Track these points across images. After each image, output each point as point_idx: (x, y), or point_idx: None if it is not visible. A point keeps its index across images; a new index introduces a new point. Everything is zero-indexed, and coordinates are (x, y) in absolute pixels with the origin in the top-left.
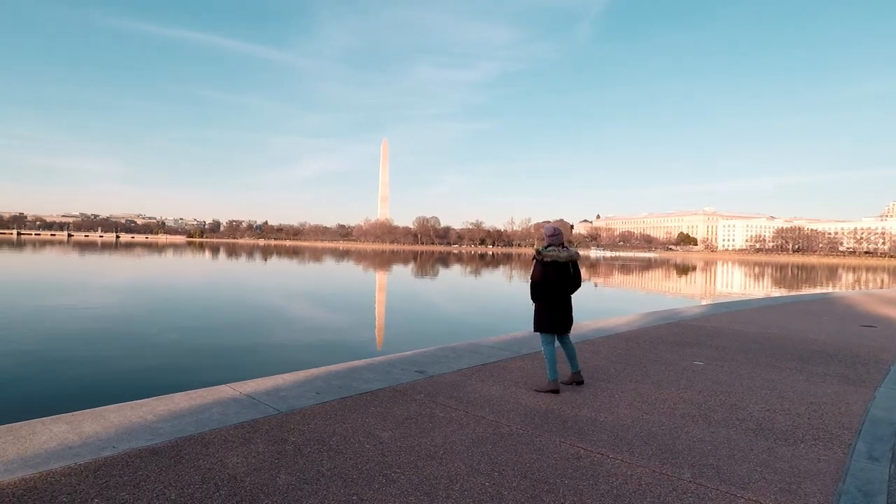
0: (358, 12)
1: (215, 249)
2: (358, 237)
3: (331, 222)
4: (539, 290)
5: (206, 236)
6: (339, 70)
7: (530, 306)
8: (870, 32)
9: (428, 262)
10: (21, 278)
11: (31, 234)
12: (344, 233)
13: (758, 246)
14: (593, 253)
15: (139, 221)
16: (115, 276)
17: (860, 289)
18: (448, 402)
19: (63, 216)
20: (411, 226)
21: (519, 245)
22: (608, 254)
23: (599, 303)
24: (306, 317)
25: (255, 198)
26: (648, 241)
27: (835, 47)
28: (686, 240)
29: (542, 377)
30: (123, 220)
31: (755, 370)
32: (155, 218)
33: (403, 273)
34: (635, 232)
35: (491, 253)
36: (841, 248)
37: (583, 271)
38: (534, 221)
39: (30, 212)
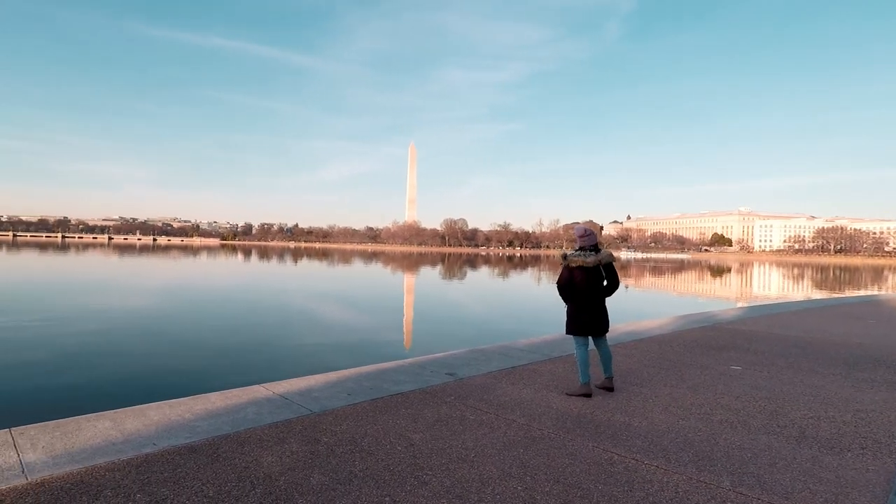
0: (385, 16)
1: (247, 252)
2: (386, 239)
3: (359, 225)
4: (565, 294)
5: (238, 239)
6: (366, 74)
7: (560, 309)
8: None
9: (455, 264)
10: (65, 280)
11: (74, 238)
12: (372, 235)
13: (797, 247)
14: (624, 254)
15: (175, 225)
16: (153, 278)
17: None
18: (478, 404)
19: (104, 220)
20: (439, 228)
21: (547, 247)
22: (639, 255)
23: (631, 305)
24: (335, 318)
25: (285, 201)
26: (681, 243)
27: (879, 41)
28: (720, 241)
29: (573, 381)
30: (160, 224)
31: (796, 375)
32: (190, 221)
33: (431, 275)
34: (667, 233)
35: (519, 255)
36: (887, 249)
37: None
38: (562, 223)
39: (73, 216)
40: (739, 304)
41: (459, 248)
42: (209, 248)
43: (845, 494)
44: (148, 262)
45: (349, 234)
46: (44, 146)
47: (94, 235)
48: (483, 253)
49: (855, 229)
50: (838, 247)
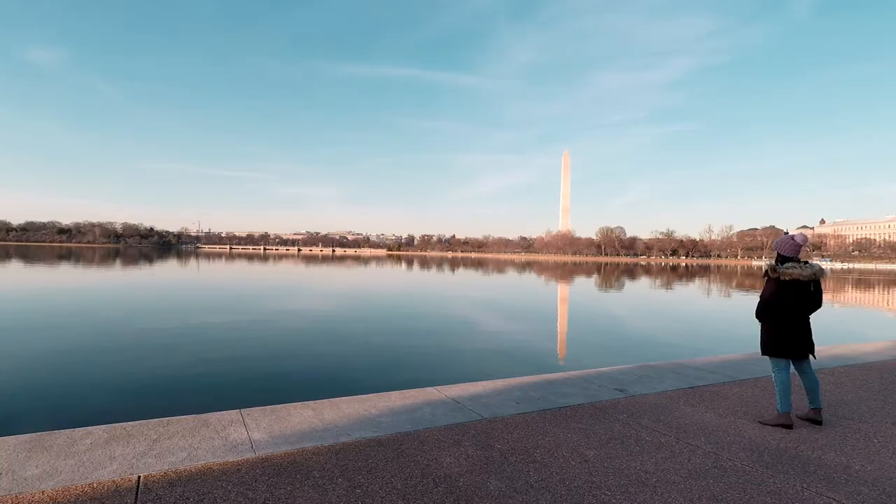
0: (539, 27)
1: (409, 262)
2: (539, 249)
3: (513, 235)
4: (769, 311)
5: (402, 249)
6: (520, 87)
7: (740, 326)
8: None
9: (612, 274)
10: (269, 285)
11: (272, 249)
12: (525, 245)
13: None
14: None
15: (349, 237)
16: (335, 284)
17: None
18: (654, 425)
19: (294, 234)
20: (594, 237)
21: (718, 256)
22: (837, 265)
23: (834, 325)
24: (491, 325)
25: (444, 213)
26: (895, 250)
27: None
28: None
29: (766, 408)
30: (337, 236)
31: None
32: (361, 233)
33: (586, 285)
34: (876, 238)
35: (684, 265)
36: None
37: None
38: (736, 229)
39: (272, 230)
40: None
41: (616, 257)
42: (377, 258)
43: None
44: (330, 270)
45: (503, 244)
46: (258, 174)
47: (287, 248)
48: (643, 263)
49: None
50: None
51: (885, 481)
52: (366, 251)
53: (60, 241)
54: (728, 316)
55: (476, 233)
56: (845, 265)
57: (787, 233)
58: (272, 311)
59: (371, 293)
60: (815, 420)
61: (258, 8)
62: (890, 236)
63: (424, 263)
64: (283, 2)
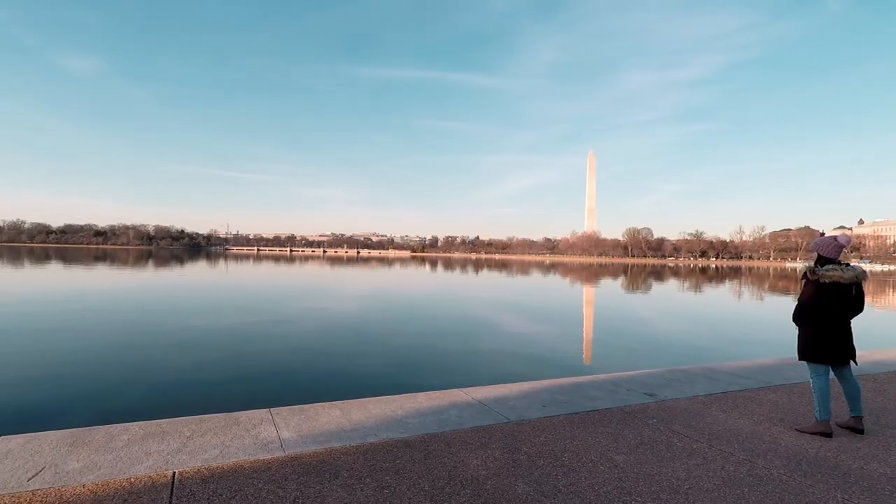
0: (562, 27)
1: (433, 263)
2: (564, 250)
3: (537, 236)
4: (807, 315)
5: (425, 251)
6: (544, 86)
7: (774, 330)
8: None
9: (639, 276)
10: (296, 286)
11: (298, 251)
12: (550, 246)
13: None
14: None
15: (374, 238)
16: (361, 286)
17: None
18: (686, 431)
19: (320, 235)
20: (620, 238)
21: (750, 257)
22: (878, 267)
23: (875, 330)
24: (515, 327)
25: (467, 214)
26: None
27: None
28: None
29: (804, 415)
30: (362, 238)
31: None
32: (386, 235)
33: (612, 287)
34: None
35: (714, 266)
36: None
37: None
38: (769, 230)
39: (298, 232)
40: None
41: (643, 259)
42: (401, 260)
43: None
44: (355, 271)
45: (527, 246)
46: (282, 177)
47: (313, 249)
48: (671, 264)
49: None
50: None
51: None
52: (390, 253)
53: (97, 243)
54: (760, 319)
55: (500, 234)
56: (887, 266)
57: (823, 234)
58: (298, 312)
59: (395, 294)
60: (856, 429)
61: (278, 11)
62: None
63: (448, 265)
64: (304, 5)
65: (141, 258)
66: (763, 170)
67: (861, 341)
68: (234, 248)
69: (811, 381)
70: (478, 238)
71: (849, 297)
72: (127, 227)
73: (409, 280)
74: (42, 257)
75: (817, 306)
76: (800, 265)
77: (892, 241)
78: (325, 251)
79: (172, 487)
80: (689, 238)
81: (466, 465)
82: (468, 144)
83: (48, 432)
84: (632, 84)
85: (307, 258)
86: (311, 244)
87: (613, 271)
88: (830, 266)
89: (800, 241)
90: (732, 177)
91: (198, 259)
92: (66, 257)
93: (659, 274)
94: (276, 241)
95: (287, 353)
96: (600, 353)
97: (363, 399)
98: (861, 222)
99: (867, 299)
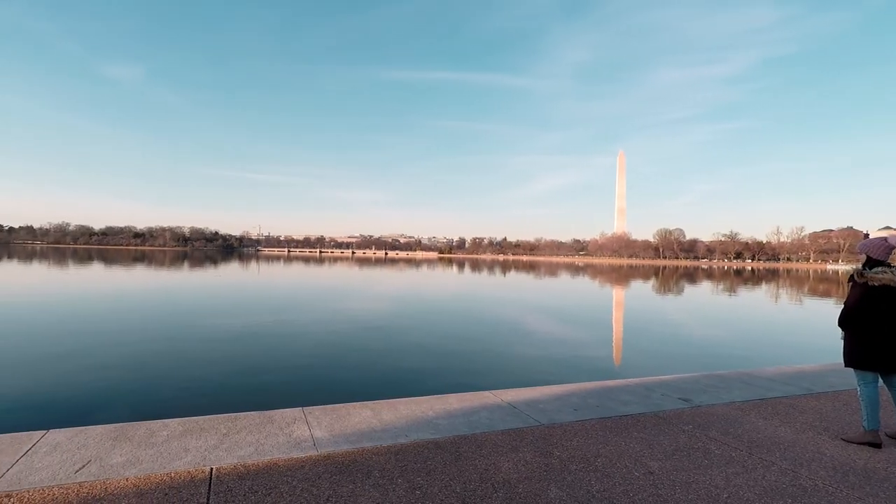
0: (591, 26)
1: (461, 264)
2: (593, 251)
3: (566, 237)
4: (854, 319)
5: (453, 252)
6: (573, 86)
7: (815, 334)
8: None
9: (671, 278)
10: (328, 287)
11: (327, 252)
12: (579, 247)
13: None
14: None
15: (401, 240)
16: (389, 287)
17: None
18: (723, 438)
19: (349, 237)
20: (652, 239)
21: (788, 259)
22: None
23: None
24: (544, 329)
25: (495, 216)
26: None
27: None
28: None
29: (850, 424)
30: (390, 239)
31: None
32: (413, 236)
33: (643, 289)
34: None
35: (750, 268)
36: None
37: None
38: (808, 231)
39: (327, 234)
40: None
41: (676, 260)
42: (429, 261)
43: None
44: (383, 273)
45: (556, 247)
46: (311, 179)
47: (342, 250)
48: (704, 266)
49: None
50: None
51: None
52: (417, 254)
53: (135, 245)
54: (800, 323)
55: (528, 235)
56: None
57: (867, 235)
58: (327, 312)
59: (422, 296)
60: None
61: (309, 16)
62: None
63: (475, 266)
64: (331, 9)
65: (177, 259)
66: (801, 168)
67: None
68: (266, 249)
69: (858, 388)
70: (505, 239)
71: None
72: (163, 229)
73: (437, 281)
74: (85, 258)
75: (865, 310)
76: (842, 267)
77: None
78: (353, 252)
79: (210, 483)
80: (723, 239)
81: (498, 468)
82: (496, 145)
83: (93, 426)
84: (663, 82)
85: (336, 259)
86: (339, 245)
87: (644, 273)
88: (880, 269)
89: (842, 242)
90: (769, 176)
91: (231, 260)
92: (107, 258)
93: (691, 276)
94: (306, 243)
95: (318, 353)
96: (631, 357)
97: (393, 399)
98: None
99: None
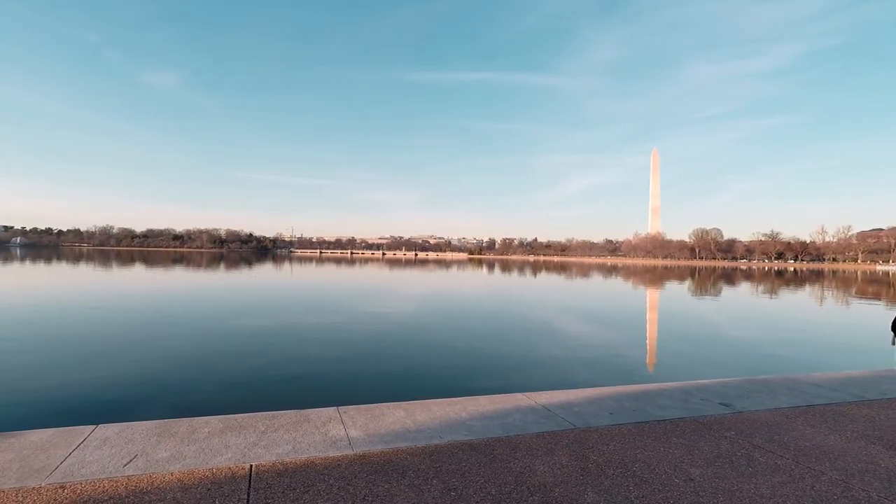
0: (624, 21)
1: (491, 265)
2: (626, 252)
3: (598, 237)
4: None
5: (483, 253)
6: (604, 84)
7: (864, 339)
8: None
9: (708, 279)
10: (355, 288)
11: (358, 253)
12: (612, 248)
13: None
14: None
15: (431, 241)
16: (419, 288)
17: None
18: (768, 445)
19: (379, 238)
20: (687, 239)
21: (833, 259)
22: None
23: None
24: (575, 331)
25: (525, 216)
26: None
27: None
28: None
29: None
30: (420, 240)
31: None
32: (443, 237)
33: (678, 290)
34: None
35: (793, 269)
36: None
37: None
38: (856, 230)
39: (357, 235)
40: None
41: (713, 261)
42: (458, 262)
43: None
44: (413, 274)
45: (587, 248)
46: (342, 181)
47: (372, 251)
48: (743, 267)
49: None
50: None
51: None
52: (447, 255)
53: (174, 246)
54: (849, 327)
55: (559, 236)
56: None
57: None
58: (358, 313)
59: (452, 297)
60: None
61: (342, 18)
62: None
63: (505, 267)
64: (359, 11)
65: (213, 260)
66: (847, 164)
67: None
68: (298, 250)
69: None
70: (535, 240)
71: None
72: (201, 232)
73: (466, 282)
74: (128, 260)
75: None
76: (893, 268)
77: None
78: (384, 254)
79: (250, 479)
80: (763, 239)
81: (533, 471)
82: (526, 145)
83: (138, 422)
84: (699, 78)
85: (366, 260)
86: (370, 247)
87: (679, 274)
88: None
89: (892, 241)
90: (812, 173)
91: (265, 261)
92: (148, 260)
93: (730, 277)
94: (338, 244)
95: (350, 353)
96: (667, 360)
97: (426, 400)
98: None
99: None
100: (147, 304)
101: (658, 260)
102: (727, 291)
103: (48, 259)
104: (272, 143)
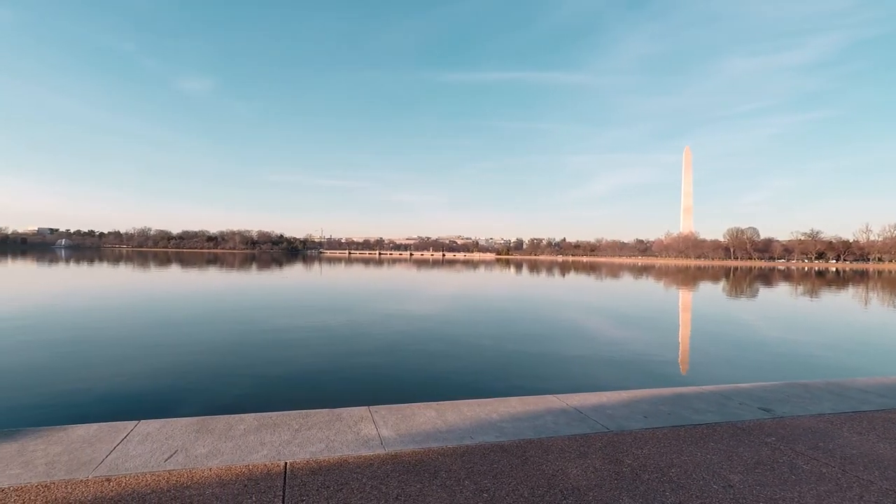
0: (655, 16)
1: (518, 266)
2: (658, 252)
3: (628, 237)
4: None
5: (510, 253)
6: (634, 81)
7: None
8: None
9: (744, 280)
10: (384, 288)
11: (386, 254)
12: (642, 248)
13: None
14: None
15: (459, 241)
16: (447, 288)
17: None
18: (812, 452)
19: (407, 238)
20: (721, 238)
21: (879, 259)
22: None
23: None
24: (606, 333)
25: (553, 216)
26: None
27: None
28: None
29: None
30: (447, 241)
31: None
32: (470, 238)
33: (713, 291)
34: None
35: (835, 269)
36: None
37: None
38: None
39: (385, 236)
40: None
41: (749, 261)
42: (486, 262)
43: None
44: (441, 274)
45: (617, 248)
46: (371, 183)
47: (400, 252)
48: (781, 267)
49: None
50: None
51: None
52: (474, 255)
53: (208, 248)
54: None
55: (588, 236)
56: None
57: None
58: (387, 313)
59: (481, 297)
60: None
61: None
62: None
63: (534, 267)
64: (389, 14)
65: (246, 261)
66: (893, 160)
67: None
68: (328, 251)
69: None
70: (564, 240)
71: None
72: (233, 233)
73: (494, 282)
74: (165, 261)
75: None
76: None
77: None
78: (411, 254)
79: (285, 477)
80: (802, 238)
81: (566, 474)
82: (554, 145)
83: (178, 419)
84: (733, 72)
85: (394, 261)
86: (398, 247)
87: (713, 274)
88: None
89: None
90: (854, 169)
91: (295, 262)
92: (184, 261)
93: (767, 277)
94: (366, 245)
95: (379, 353)
96: (702, 363)
97: (456, 401)
98: None
99: None
100: (183, 303)
101: (691, 260)
102: (764, 292)
103: (90, 260)
104: (301, 145)
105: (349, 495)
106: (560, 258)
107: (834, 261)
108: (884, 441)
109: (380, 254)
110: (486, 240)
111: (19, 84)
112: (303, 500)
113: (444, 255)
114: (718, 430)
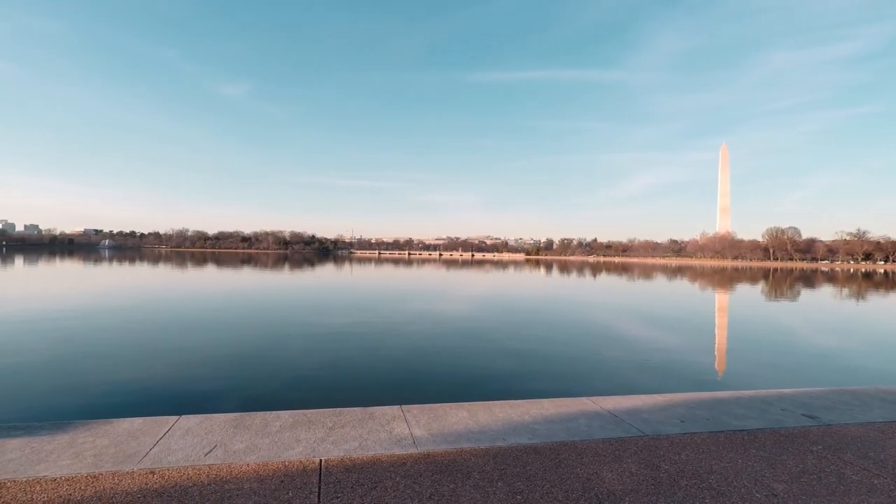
0: (690, 11)
1: (548, 266)
2: (692, 252)
3: (661, 237)
4: None
5: (540, 254)
6: (669, 78)
7: None
8: None
9: (784, 282)
10: (415, 288)
11: (416, 254)
12: (676, 248)
13: None
14: None
15: (488, 242)
16: (477, 289)
17: None
18: (861, 462)
19: (436, 239)
20: (760, 238)
21: None
22: None
23: None
24: (639, 335)
25: (584, 216)
26: None
27: None
28: None
29: None
30: (476, 241)
31: None
32: (500, 238)
33: (751, 293)
34: None
35: (883, 271)
36: None
37: None
38: None
39: (415, 236)
40: None
41: (790, 262)
42: (515, 263)
43: None
44: (470, 275)
45: (650, 248)
46: (400, 184)
47: (429, 252)
48: (824, 268)
49: None
50: None
51: None
52: (504, 255)
53: (243, 248)
54: None
55: (620, 236)
56: None
57: None
58: (418, 313)
59: (511, 298)
60: None
61: (396, 23)
62: None
63: (564, 268)
64: (420, 15)
65: (279, 261)
66: None
67: None
68: (358, 251)
69: None
70: (595, 240)
71: None
72: (267, 234)
73: (524, 283)
74: (201, 261)
75: None
76: None
77: None
78: (440, 254)
79: (320, 473)
80: (848, 238)
81: (601, 479)
82: (587, 144)
83: (216, 414)
84: (774, 67)
85: (424, 261)
86: (427, 247)
87: (752, 276)
88: None
89: None
90: None
91: (326, 262)
92: (220, 260)
93: (809, 279)
94: (395, 245)
95: (411, 352)
96: (741, 367)
97: (489, 402)
98: None
99: None
100: (220, 302)
101: (728, 261)
102: (806, 294)
103: (132, 260)
104: (332, 146)
105: (383, 493)
106: (591, 258)
107: (882, 262)
108: None
109: (409, 254)
110: (516, 240)
111: (64, 90)
112: (338, 497)
113: (472, 255)
114: (760, 437)
